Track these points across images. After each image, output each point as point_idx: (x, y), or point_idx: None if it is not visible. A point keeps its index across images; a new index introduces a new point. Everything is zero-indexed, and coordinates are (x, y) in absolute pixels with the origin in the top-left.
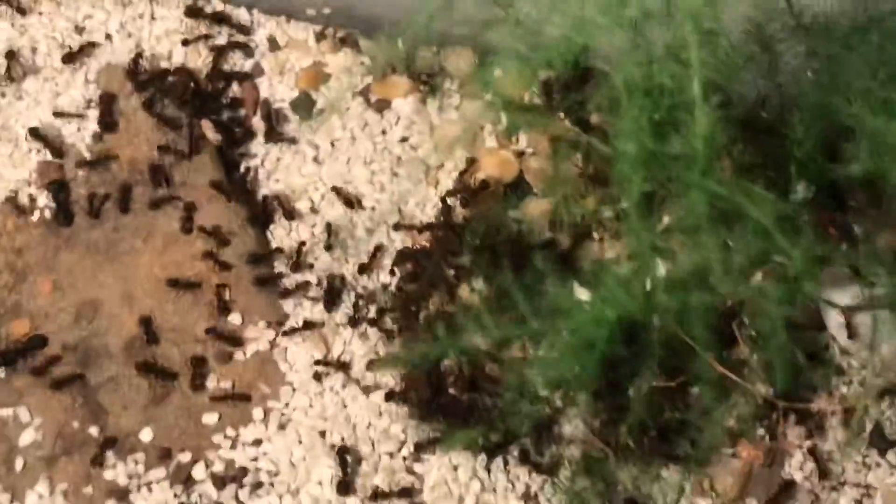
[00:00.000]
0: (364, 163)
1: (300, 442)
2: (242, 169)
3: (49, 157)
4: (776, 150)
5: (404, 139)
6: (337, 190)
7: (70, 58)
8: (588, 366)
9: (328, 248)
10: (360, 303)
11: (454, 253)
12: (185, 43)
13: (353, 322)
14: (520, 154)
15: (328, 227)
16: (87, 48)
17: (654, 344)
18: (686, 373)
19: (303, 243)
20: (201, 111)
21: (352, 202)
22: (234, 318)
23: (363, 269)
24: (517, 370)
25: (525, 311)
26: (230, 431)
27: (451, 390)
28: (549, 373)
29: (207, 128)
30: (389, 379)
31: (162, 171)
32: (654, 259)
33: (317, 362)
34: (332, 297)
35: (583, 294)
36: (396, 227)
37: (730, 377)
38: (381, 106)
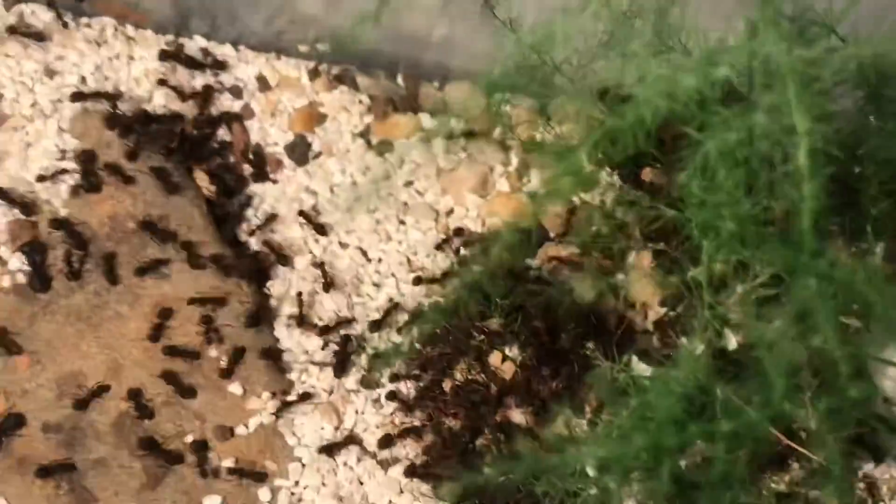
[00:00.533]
0: (367, 210)
1: None
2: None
3: (20, 215)
4: (850, 208)
5: (409, 183)
6: (305, 215)
7: None
8: (652, 444)
9: (327, 288)
10: (374, 366)
11: (482, 315)
12: (163, 83)
13: (366, 384)
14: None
15: (321, 266)
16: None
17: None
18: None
19: (300, 294)
20: (189, 159)
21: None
22: (235, 388)
23: (376, 326)
24: (560, 448)
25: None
26: None
27: (487, 469)
28: (602, 452)
29: (201, 179)
30: (408, 450)
31: (155, 228)
32: (724, 331)
33: (322, 449)
34: (342, 360)
35: (643, 368)
36: (417, 281)
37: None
38: (384, 148)
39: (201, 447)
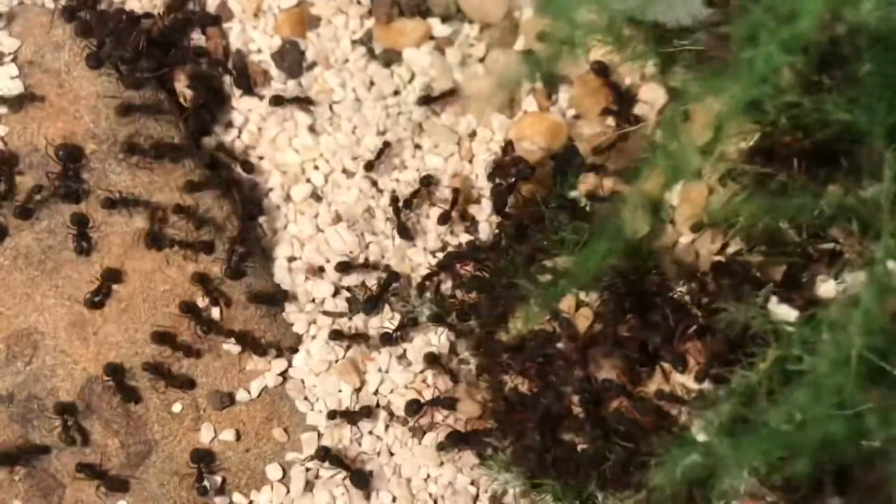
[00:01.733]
0: (376, 132)
1: None
2: (216, 143)
3: None
4: None
5: (424, 100)
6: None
7: None
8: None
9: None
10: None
11: (536, 253)
12: None
13: (389, 340)
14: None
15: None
16: None
17: None
18: None
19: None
20: (160, 67)
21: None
22: (230, 346)
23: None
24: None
25: None
26: (238, 498)
27: (567, 436)
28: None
29: (181, 81)
30: (446, 416)
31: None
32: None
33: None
34: (375, 299)
35: (786, 313)
36: (444, 219)
37: None
38: (390, 58)
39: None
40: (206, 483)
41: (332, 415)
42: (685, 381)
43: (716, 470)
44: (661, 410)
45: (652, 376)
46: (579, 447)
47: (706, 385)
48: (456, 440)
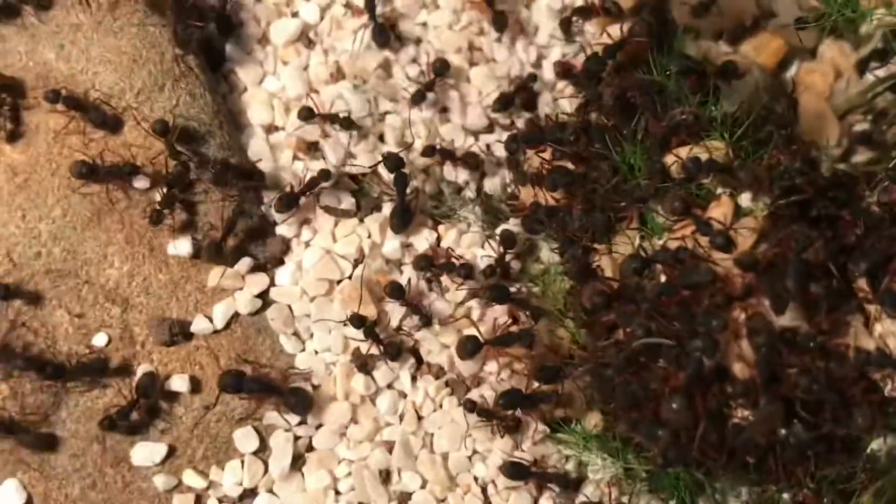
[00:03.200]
0: None
1: (336, 492)
2: None
3: None
4: None
5: None
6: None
7: None
8: None
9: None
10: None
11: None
12: None
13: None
14: None
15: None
16: None
17: None
18: None
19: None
20: None
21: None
22: (181, 247)
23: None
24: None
25: None
26: (192, 478)
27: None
28: None
29: None
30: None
31: None
32: None
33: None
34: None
35: None
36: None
37: None
38: None
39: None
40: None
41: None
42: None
43: None
44: (864, 375)
45: (850, 325)
46: (735, 421)
47: None
48: (514, 401)
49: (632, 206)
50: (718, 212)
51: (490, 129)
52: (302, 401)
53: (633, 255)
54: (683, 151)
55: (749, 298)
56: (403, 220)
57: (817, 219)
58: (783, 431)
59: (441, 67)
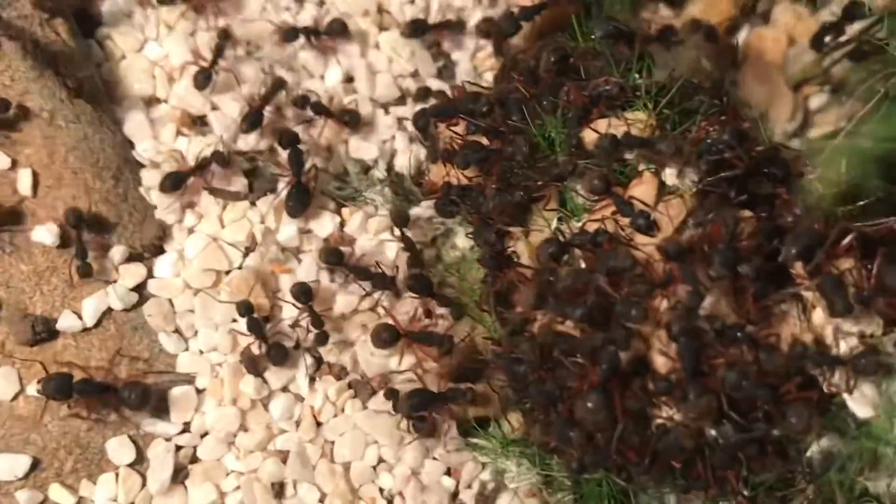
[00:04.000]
0: None
1: None
2: None
3: None
4: None
5: None
6: None
7: None
8: None
9: None
10: None
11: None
12: None
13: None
14: None
15: None
16: None
17: None
18: None
19: None
20: None
21: None
22: (42, 236)
23: None
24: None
25: None
26: (59, 493)
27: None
28: None
29: None
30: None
31: None
32: None
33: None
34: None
35: None
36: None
37: None
38: None
39: None
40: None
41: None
42: (840, 323)
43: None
44: (800, 370)
45: (785, 315)
46: (659, 422)
47: (871, 326)
48: (424, 402)
49: (549, 184)
50: (640, 190)
51: (402, 100)
52: (140, 394)
53: (550, 240)
54: (603, 124)
55: (672, 286)
56: (300, 202)
57: (752, 198)
58: (712, 433)
59: (336, 27)
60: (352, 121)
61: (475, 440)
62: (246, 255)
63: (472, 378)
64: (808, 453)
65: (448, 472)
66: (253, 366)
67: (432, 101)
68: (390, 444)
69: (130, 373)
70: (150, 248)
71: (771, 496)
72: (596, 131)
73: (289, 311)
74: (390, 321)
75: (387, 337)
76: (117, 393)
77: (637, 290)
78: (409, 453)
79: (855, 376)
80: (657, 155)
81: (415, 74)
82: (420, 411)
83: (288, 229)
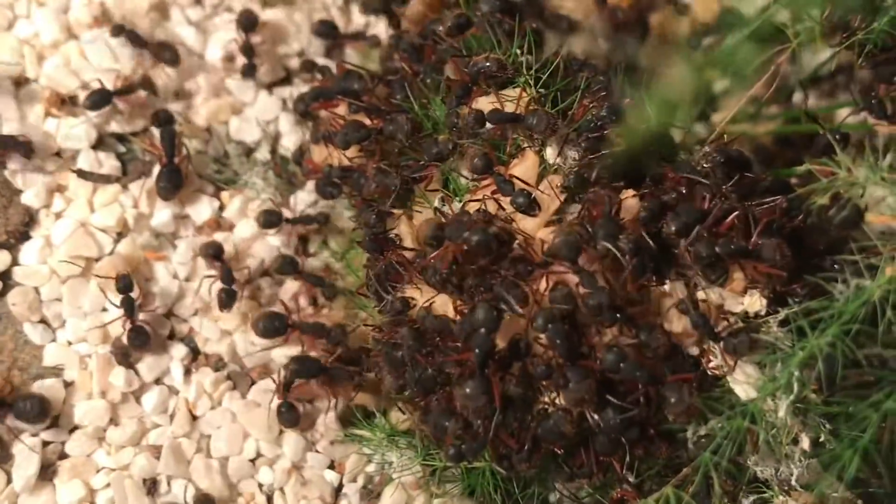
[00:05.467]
0: None
1: None
2: None
3: None
4: None
5: None
6: None
7: None
8: None
9: None
10: None
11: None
12: None
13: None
14: None
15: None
16: None
17: None
18: None
19: None
20: None
21: None
22: None
23: None
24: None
25: None
26: None
27: (517, 388)
28: None
29: None
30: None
31: None
32: None
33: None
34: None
35: None
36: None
37: None
38: None
39: None
40: None
41: None
42: (725, 300)
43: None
44: (678, 350)
45: (668, 293)
46: (541, 408)
47: (752, 302)
48: (306, 369)
49: (430, 164)
50: (521, 169)
51: (287, 80)
52: (38, 407)
53: (430, 220)
54: (485, 102)
55: (553, 266)
56: (172, 184)
57: (638, 176)
58: (594, 417)
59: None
60: (170, 58)
61: (359, 431)
62: (117, 240)
63: (362, 365)
64: (689, 435)
65: (332, 466)
66: (124, 357)
67: (319, 78)
68: (269, 437)
69: None
70: (15, 234)
71: (662, 483)
72: (474, 109)
73: (162, 299)
74: (276, 309)
75: (275, 326)
76: (12, 406)
77: (518, 271)
78: (289, 447)
79: (730, 355)
80: (529, 131)
81: (301, 54)
82: (303, 378)
83: (162, 214)
